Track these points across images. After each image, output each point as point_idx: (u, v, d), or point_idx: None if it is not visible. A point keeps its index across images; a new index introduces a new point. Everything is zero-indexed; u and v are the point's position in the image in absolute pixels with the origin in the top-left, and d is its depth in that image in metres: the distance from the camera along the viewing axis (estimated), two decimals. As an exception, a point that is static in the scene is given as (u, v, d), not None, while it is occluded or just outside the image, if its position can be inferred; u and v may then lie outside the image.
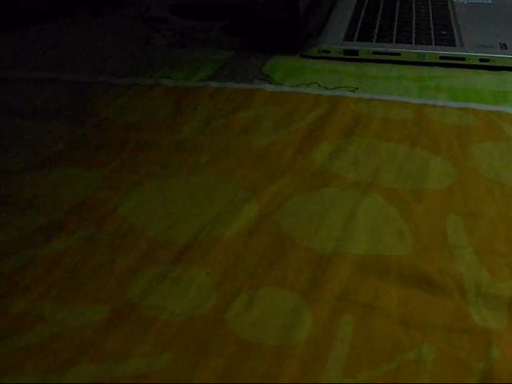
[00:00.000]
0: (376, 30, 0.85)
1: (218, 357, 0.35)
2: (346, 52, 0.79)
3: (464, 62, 0.76)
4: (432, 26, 0.86)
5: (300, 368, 0.35)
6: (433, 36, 0.82)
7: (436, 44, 0.79)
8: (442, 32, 0.84)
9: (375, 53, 0.78)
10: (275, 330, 0.37)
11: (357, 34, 0.83)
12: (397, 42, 0.81)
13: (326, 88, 0.70)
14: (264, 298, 0.39)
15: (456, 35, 0.83)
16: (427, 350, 0.36)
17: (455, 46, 0.79)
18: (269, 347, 0.36)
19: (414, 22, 0.89)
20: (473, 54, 0.76)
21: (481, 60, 0.76)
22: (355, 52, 0.78)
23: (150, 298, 0.39)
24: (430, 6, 0.96)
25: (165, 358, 0.35)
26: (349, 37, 0.82)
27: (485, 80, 0.72)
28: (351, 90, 0.70)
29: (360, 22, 0.88)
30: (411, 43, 0.80)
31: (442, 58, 0.77)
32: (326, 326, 0.37)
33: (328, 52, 0.79)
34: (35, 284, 0.41)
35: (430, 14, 0.92)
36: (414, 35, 0.83)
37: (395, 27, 0.86)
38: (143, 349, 0.36)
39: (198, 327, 0.37)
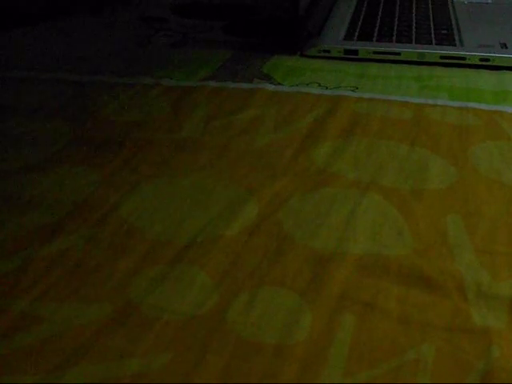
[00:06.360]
0: (376, 30, 0.85)
1: (219, 356, 0.35)
2: (346, 52, 0.79)
3: (464, 62, 0.76)
4: (432, 26, 0.86)
5: (300, 367, 0.35)
6: (433, 36, 0.82)
7: (436, 44, 0.79)
8: (442, 32, 0.84)
9: (375, 52, 0.78)
10: (275, 329, 0.37)
11: (357, 34, 0.83)
12: (397, 41, 0.81)
13: (326, 88, 0.70)
14: (264, 297, 0.39)
15: (456, 35, 0.83)
16: (427, 350, 0.36)
17: (455, 45, 0.79)
18: (269, 347, 0.36)
19: (414, 21, 0.89)
20: (473, 54, 0.76)
21: (481, 60, 0.76)
22: (355, 52, 0.78)
23: (151, 297, 0.39)
24: (430, 6, 0.96)
25: (165, 358, 0.35)
26: (349, 36, 0.82)
27: (485, 79, 0.72)
28: (351, 90, 0.70)
29: (360, 22, 0.88)
30: (411, 43, 0.80)
31: (442, 57, 0.77)
32: (325, 326, 0.37)
33: (328, 52, 0.79)
34: (35, 284, 0.41)
35: (430, 14, 0.92)
36: (414, 35, 0.83)
37: (395, 27, 0.86)
38: (143, 349, 0.36)
39: (198, 327, 0.37)
